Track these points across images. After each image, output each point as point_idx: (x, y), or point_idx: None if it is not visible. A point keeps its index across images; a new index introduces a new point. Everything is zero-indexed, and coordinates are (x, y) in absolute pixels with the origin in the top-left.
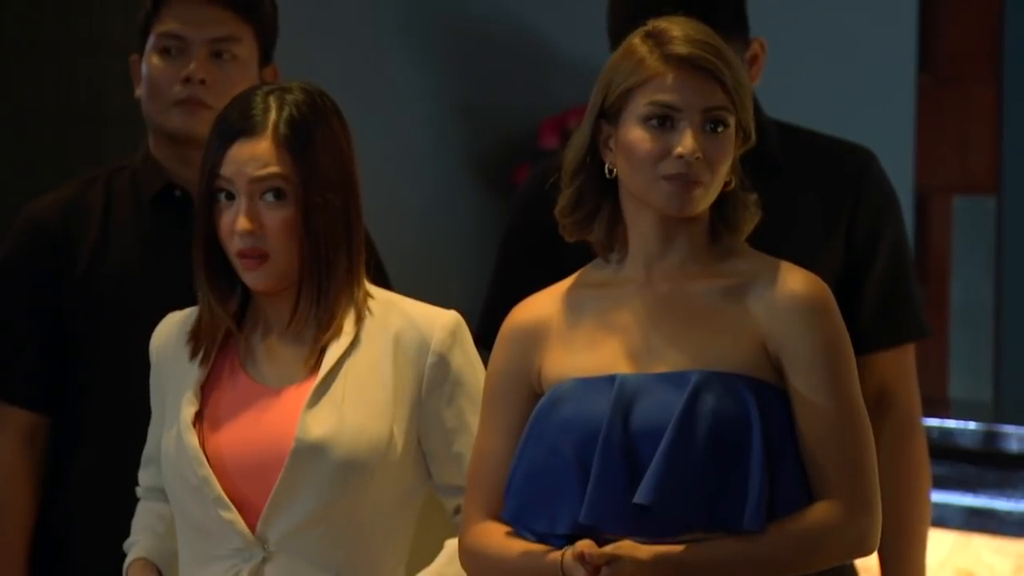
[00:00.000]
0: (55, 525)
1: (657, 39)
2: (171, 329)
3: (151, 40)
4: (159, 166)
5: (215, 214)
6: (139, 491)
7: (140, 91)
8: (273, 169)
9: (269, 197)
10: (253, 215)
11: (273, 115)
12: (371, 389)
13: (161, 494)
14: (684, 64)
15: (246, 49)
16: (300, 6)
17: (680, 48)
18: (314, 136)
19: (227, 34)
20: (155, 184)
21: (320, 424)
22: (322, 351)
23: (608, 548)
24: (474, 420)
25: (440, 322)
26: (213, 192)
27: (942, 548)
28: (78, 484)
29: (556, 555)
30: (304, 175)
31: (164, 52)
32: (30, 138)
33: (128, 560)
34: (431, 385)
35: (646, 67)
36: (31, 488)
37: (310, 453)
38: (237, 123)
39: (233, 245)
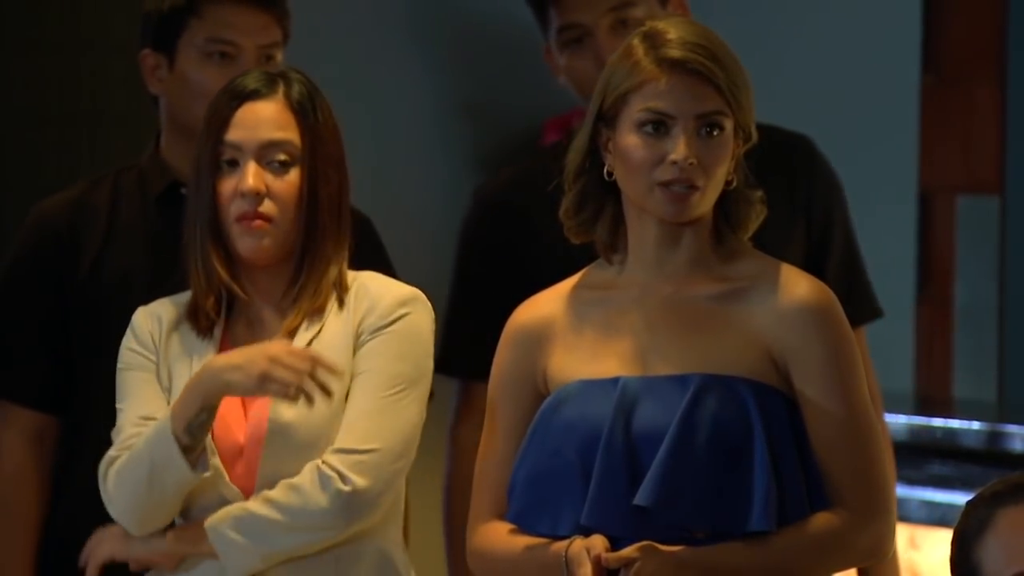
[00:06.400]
0: (61, 525)
1: (653, 41)
2: (149, 319)
3: (199, 43)
4: (166, 165)
5: (215, 185)
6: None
7: (157, 88)
8: (284, 134)
9: (276, 164)
10: (261, 177)
11: (281, 84)
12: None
13: None
14: (677, 68)
15: (281, 53)
16: (304, 5)
17: (674, 51)
18: (318, 109)
19: (274, 40)
20: (160, 182)
21: (289, 409)
22: (292, 333)
23: (625, 551)
24: (389, 367)
25: (392, 292)
26: (216, 161)
27: (947, 547)
28: (83, 485)
29: (560, 545)
30: (311, 143)
31: (218, 57)
32: (31, 138)
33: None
34: (364, 329)
35: (641, 70)
36: (38, 487)
37: (282, 436)
38: (244, 88)
39: (235, 208)
